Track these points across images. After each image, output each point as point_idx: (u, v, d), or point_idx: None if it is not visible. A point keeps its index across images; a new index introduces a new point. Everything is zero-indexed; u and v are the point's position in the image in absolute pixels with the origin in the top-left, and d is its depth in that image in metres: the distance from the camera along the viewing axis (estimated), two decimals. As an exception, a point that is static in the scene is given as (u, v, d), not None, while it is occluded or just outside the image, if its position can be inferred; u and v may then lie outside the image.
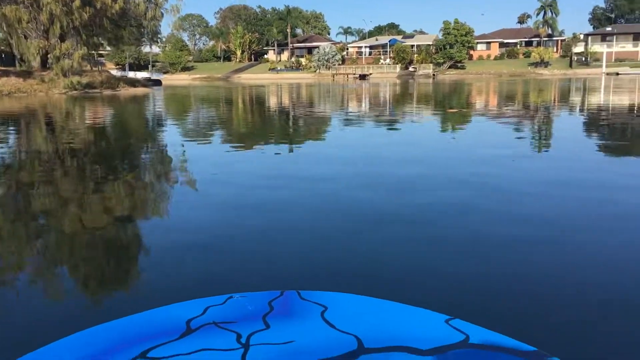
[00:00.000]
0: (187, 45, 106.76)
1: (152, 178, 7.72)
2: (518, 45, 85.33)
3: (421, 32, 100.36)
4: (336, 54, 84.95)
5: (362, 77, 73.34)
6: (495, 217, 4.92)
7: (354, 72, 77.25)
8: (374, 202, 5.60)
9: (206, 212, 5.38)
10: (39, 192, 6.67)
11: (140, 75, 61.73)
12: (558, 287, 3.32)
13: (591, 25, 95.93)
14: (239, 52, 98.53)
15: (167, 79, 76.42)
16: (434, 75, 73.38)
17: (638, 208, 5.21)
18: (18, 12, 34.73)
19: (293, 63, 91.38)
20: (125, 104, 28.33)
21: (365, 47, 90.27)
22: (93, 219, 5.41)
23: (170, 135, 13.31)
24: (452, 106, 21.18)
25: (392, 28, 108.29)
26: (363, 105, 23.82)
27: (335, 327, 2.76)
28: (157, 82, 59.03)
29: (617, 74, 62.03)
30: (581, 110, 18.65)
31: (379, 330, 2.72)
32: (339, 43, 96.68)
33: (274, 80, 73.95)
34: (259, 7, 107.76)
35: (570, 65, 74.63)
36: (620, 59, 73.18)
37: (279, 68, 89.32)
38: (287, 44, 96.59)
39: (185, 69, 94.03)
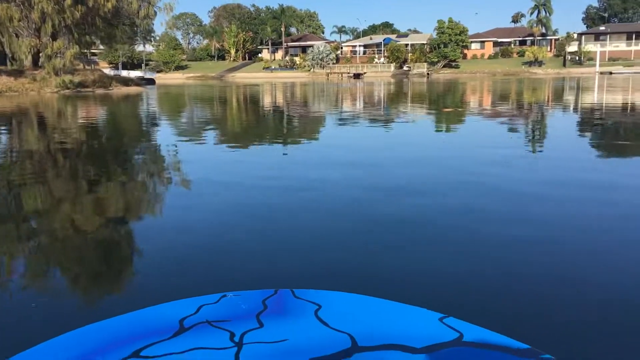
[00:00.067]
0: (181, 44, 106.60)
1: (141, 178, 7.68)
2: (512, 45, 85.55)
3: (415, 31, 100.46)
4: (330, 53, 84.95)
5: (357, 76, 73.34)
6: (492, 216, 4.91)
7: (348, 71, 77.25)
8: (370, 201, 5.60)
9: (200, 212, 5.35)
10: (29, 191, 6.63)
11: (134, 74, 61.48)
12: (552, 286, 3.32)
13: (584, 24, 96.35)
14: (233, 51, 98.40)
15: (161, 78, 76.20)
16: (428, 74, 73.46)
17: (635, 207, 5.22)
18: (9, 11, 34.54)
19: (287, 62, 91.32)
20: (117, 103, 28.23)
21: (360, 46, 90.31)
22: (84, 218, 5.39)
23: (162, 135, 13.26)
24: (447, 105, 21.17)
25: (387, 27, 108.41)
26: (358, 104, 23.81)
27: (329, 326, 2.75)
28: (151, 81, 58.84)
29: (611, 73, 62.27)
30: (575, 109, 18.68)
31: (373, 329, 2.72)
32: (333, 42, 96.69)
33: (268, 79, 73.88)
34: (253, 5, 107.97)
35: (564, 65, 74.86)
36: (613, 58, 73.47)
37: (273, 67, 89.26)
38: (281, 43, 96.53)
39: (179, 67, 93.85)
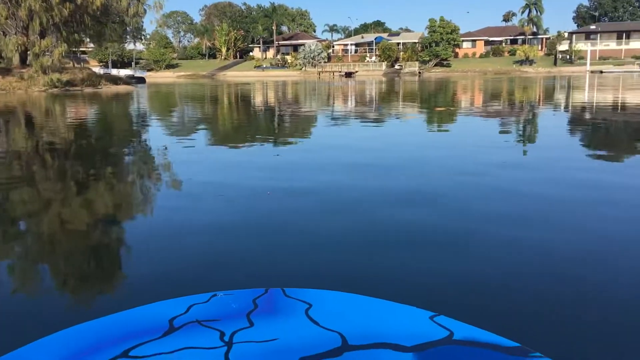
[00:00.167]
0: (172, 43, 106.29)
1: (126, 179, 7.65)
2: (503, 43, 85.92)
3: (407, 30, 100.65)
4: (322, 51, 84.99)
5: (348, 74, 73.40)
6: (491, 216, 4.90)
7: (340, 69, 77.31)
8: (368, 201, 5.59)
9: (195, 212, 5.34)
10: (16, 191, 6.59)
11: (123, 72, 61.20)
12: (550, 285, 3.32)
13: (575, 23, 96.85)
14: (224, 50, 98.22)
15: (151, 77, 75.98)
16: (419, 73, 73.62)
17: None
18: (-4, 8, 34.33)
19: (279, 60, 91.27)
20: (106, 102, 28.04)
21: (351, 44, 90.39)
22: (74, 218, 5.35)
23: (152, 134, 13.15)
24: (439, 104, 21.18)
25: (378, 26, 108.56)
26: (350, 103, 23.80)
27: (320, 325, 2.75)
28: (141, 80, 58.65)
29: (601, 72, 62.65)
30: (567, 108, 18.77)
31: (363, 327, 2.71)
32: (324, 41, 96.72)
33: (260, 77, 73.80)
34: (244, 4, 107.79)
35: (555, 63, 75.23)
36: (604, 57, 73.91)
37: (264, 66, 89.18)
38: (272, 42, 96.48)
39: (170, 66, 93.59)
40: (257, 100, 27.81)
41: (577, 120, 14.75)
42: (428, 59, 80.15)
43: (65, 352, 2.53)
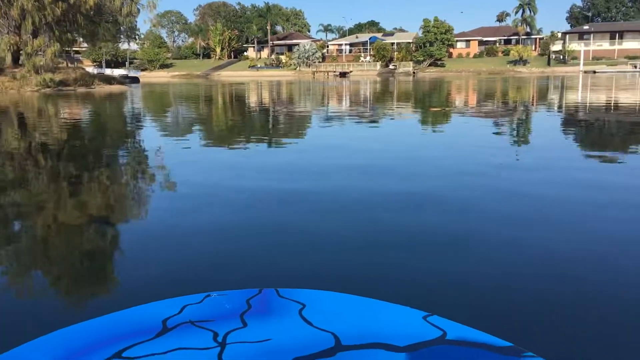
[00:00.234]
0: (166, 42, 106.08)
1: (115, 180, 7.63)
2: (497, 44, 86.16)
3: (401, 30, 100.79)
4: (316, 51, 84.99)
5: (343, 74, 73.45)
6: (492, 216, 4.90)
7: (334, 69, 77.36)
8: (365, 202, 5.59)
9: (190, 213, 5.33)
10: (7, 192, 6.56)
11: (117, 72, 61.05)
12: (546, 286, 3.33)
13: (568, 23, 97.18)
14: (218, 50, 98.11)
15: (145, 77, 75.80)
16: (414, 73, 73.74)
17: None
18: (-13, 8, 34.16)
19: (273, 60, 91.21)
20: (99, 102, 27.91)
21: (346, 44, 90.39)
22: (68, 218, 5.34)
23: (143, 135, 13.06)
24: (434, 105, 21.14)
25: (372, 26, 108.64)
26: (345, 103, 23.78)
27: (313, 325, 2.75)
28: (135, 80, 58.51)
29: (595, 72, 62.90)
30: (561, 108, 18.82)
31: (357, 327, 2.72)
32: (319, 40, 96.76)
33: (254, 77, 73.74)
34: (239, 4, 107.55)
35: (549, 64, 75.47)
36: (597, 57, 74.21)
37: (259, 65, 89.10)
38: (267, 41, 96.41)
39: (164, 66, 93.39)
40: (252, 100, 27.78)
41: (572, 120, 14.79)
42: (422, 59, 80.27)
43: (59, 352, 2.53)
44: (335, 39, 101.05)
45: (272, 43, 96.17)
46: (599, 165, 7.76)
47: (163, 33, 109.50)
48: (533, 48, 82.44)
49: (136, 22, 43.74)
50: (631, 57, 72.16)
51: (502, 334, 2.66)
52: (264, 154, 9.32)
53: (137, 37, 51.23)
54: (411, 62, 78.12)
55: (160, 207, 5.58)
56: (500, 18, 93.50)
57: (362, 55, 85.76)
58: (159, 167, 8.20)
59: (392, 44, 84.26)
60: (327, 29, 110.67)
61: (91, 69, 55.76)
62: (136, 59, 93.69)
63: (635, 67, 65.94)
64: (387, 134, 12.21)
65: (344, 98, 27.45)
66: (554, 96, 25.39)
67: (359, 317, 2.84)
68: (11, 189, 6.68)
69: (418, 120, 15.47)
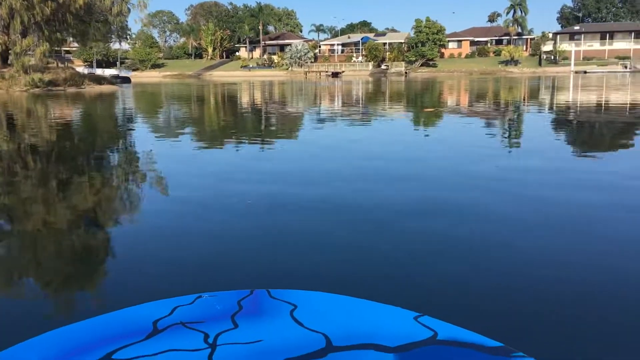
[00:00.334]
0: (158, 42, 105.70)
1: (103, 181, 7.60)
2: (488, 44, 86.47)
3: (393, 30, 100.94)
4: (308, 51, 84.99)
5: (335, 74, 73.50)
6: (492, 217, 4.90)
7: (326, 69, 77.39)
8: (362, 202, 5.59)
9: (184, 215, 5.31)
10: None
11: (108, 72, 60.78)
12: (538, 285, 3.34)
13: (559, 24, 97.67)
14: (210, 49, 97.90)
15: (137, 77, 75.54)
16: (406, 73, 73.88)
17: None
18: (-25, 7, 33.91)
19: (265, 60, 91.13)
20: (89, 102, 27.76)
21: (338, 44, 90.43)
22: (58, 220, 5.31)
23: (132, 137, 12.95)
24: (427, 105, 21.10)
25: (364, 26, 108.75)
26: (338, 103, 23.76)
27: (304, 326, 2.74)
28: (126, 80, 58.26)
29: (585, 72, 63.25)
30: (552, 109, 18.89)
31: (348, 328, 2.72)
32: (311, 40, 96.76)
33: (246, 77, 73.63)
34: (231, 3, 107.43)
35: (540, 64, 75.81)
36: (588, 58, 74.64)
37: (251, 65, 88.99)
38: (259, 41, 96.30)
39: (156, 66, 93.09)
40: (244, 100, 27.72)
41: (564, 120, 14.85)
42: (414, 59, 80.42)
43: (48, 354, 2.51)
44: (327, 39, 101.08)
45: (264, 43, 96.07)
46: (598, 166, 7.76)
47: (155, 33, 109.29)
48: (524, 48, 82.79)
49: (127, 21, 43.59)
50: (621, 57, 72.64)
51: (501, 334, 2.67)
52: (255, 156, 9.30)
53: (128, 37, 51.08)
54: (403, 63, 78.26)
55: (150, 209, 5.56)
56: (492, 18, 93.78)
57: (354, 55, 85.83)
58: (149, 169, 8.17)
59: (384, 44, 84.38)
60: (319, 29, 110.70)
61: (82, 69, 55.49)
62: (128, 59, 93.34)
63: (626, 67, 66.42)
64: (384, 134, 12.21)
65: (337, 98, 27.44)
66: (545, 96, 25.48)
67: (350, 317, 2.84)
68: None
69: (411, 121, 15.47)
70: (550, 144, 10.07)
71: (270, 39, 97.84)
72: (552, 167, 7.33)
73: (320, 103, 24.08)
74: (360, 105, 21.76)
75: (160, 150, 9.73)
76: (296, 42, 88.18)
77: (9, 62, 38.07)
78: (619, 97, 23.38)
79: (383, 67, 79.10)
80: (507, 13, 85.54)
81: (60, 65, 43.72)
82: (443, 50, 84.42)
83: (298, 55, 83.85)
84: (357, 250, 4.04)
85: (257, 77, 75.17)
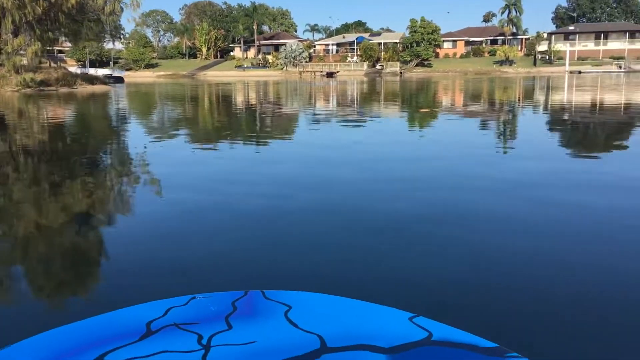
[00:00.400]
0: (151, 42, 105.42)
1: (94, 182, 7.57)
2: (483, 44, 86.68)
3: (388, 30, 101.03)
4: (303, 51, 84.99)
5: (330, 74, 73.50)
6: (493, 218, 4.89)
7: (321, 69, 77.38)
8: (360, 202, 5.58)
9: (182, 216, 5.29)
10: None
11: (101, 72, 60.56)
12: (538, 285, 3.34)
13: (554, 24, 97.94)
14: (204, 49, 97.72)
15: (130, 76, 75.36)
16: (401, 73, 73.96)
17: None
18: (-34, 6, 33.69)
19: (260, 60, 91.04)
20: (81, 102, 27.63)
21: (333, 44, 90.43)
22: (50, 221, 5.28)
23: (124, 138, 12.94)
24: (423, 106, 21.07)
25: (359, 26, 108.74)
26: (333, 104, 23.74)
27: (299, 327, 2.73)
28: (119, 79, 58.06)
29: (580, 72, 63.47)
30: (547, 109, 18.94)
31: (342, 329, 2.70)
32: (305, 40, 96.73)
33: (241, 77, 73.56)
34: (225, 3, 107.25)
35: (535, 64, 76.03)
36: (582, 58, 74.90)
37: (245, 65, 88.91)
38: (253, 41, 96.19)
39: (149, 66, 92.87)
40: (239, 100, 27.68)
41: (560, 120, 14.88)
42: (409, 59, 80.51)
43: (40, 357, 2.49)
44: (322, 39, 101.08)
45: (259, 43, 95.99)
46: (598, 166, 7.76)
47: (148, 32, 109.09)
48: (519, 48, 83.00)
49: (120, 21, 43.42)
50: (616, 57, 72.91)
51: (501, 334, 2.67)
52: (250, 157, 9.29)
53: (121, 36, 50.92)
54: (398, 62, 78.35)
55: (143, 211, 5.53)
56: (487, 18, 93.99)
57: (349, 55, 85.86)
58: (142, 171, 8.14)
59: (379, 44, 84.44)
60: (313, 28, 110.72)
61: (75, 69, 55.29)
62: (121, 58, 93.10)
63: (620, 67, 66.68)
64: (381, 134, 12.20)
65: (331, 98, 27.43)
66: (541, 97, 25.54)
67: (345, 318, 2.83)
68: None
69: (407, 121, 15.47)
70: (551, 144, 10.09)
71: (265, 39, 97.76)
72: (552, 167, 7.35)
73: (315, 103, 24.05)
74: (355, 106, 21.74)
75: (153, 151, 9.70)
76: (291, 42, 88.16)
77: (0, 61, 37.83)
78: (613, 97, 23.45)
79: (378, 67, 79.16)
80: (502, 13, 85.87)
81: (52, 65, 43.47)
82: (438, 50, 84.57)
83: (293, 55, 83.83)
84: (357, 250, 4.03)
85: (252, 77, 75.10)
